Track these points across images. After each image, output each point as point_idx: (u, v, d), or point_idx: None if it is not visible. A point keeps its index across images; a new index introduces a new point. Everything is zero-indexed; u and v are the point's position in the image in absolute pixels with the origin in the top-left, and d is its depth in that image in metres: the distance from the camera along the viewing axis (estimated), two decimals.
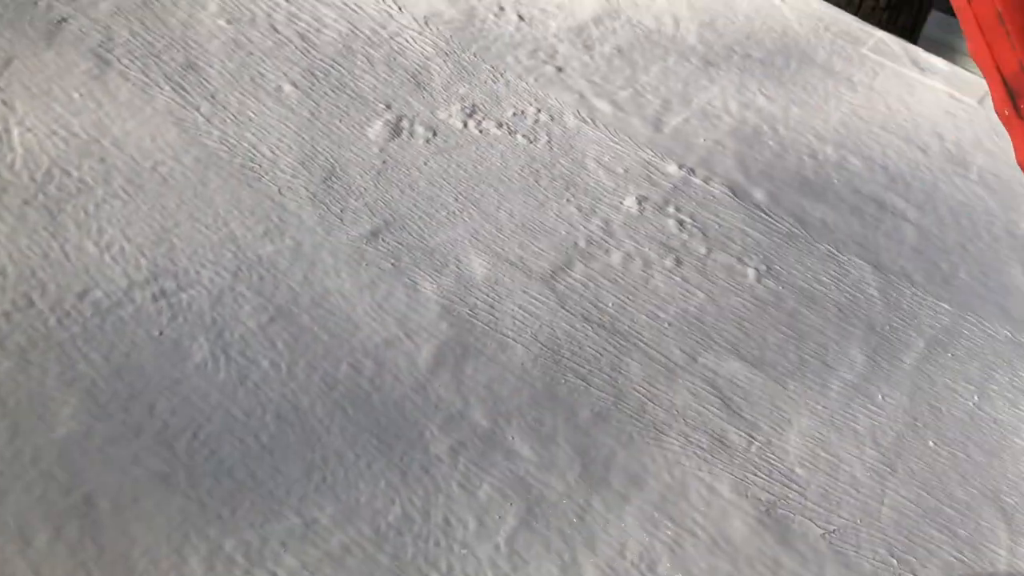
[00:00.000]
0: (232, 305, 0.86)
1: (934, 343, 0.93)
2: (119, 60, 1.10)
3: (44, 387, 0.77)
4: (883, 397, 0.87)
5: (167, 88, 1.07)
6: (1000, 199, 1.11)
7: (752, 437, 0.82)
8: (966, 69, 1.32)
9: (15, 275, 0.85)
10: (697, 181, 1.07)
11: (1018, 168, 1.11)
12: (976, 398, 0.89)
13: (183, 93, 1.07)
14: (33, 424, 0.74)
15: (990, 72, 0.72)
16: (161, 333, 0.83)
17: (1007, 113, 0.77)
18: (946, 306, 0.97)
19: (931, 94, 1.25)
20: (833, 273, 0.98)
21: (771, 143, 1.14)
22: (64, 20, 1.15)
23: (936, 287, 0.99)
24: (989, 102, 1.21)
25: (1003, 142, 1.20)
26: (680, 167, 1.08)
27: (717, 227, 1.01)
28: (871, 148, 1.15)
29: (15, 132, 0.99)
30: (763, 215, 1.04)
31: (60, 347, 0.80)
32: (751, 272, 0.97)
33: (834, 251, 1.01)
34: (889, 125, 1.19)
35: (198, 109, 1.05)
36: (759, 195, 1.06)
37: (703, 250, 0.99)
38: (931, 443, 0.84)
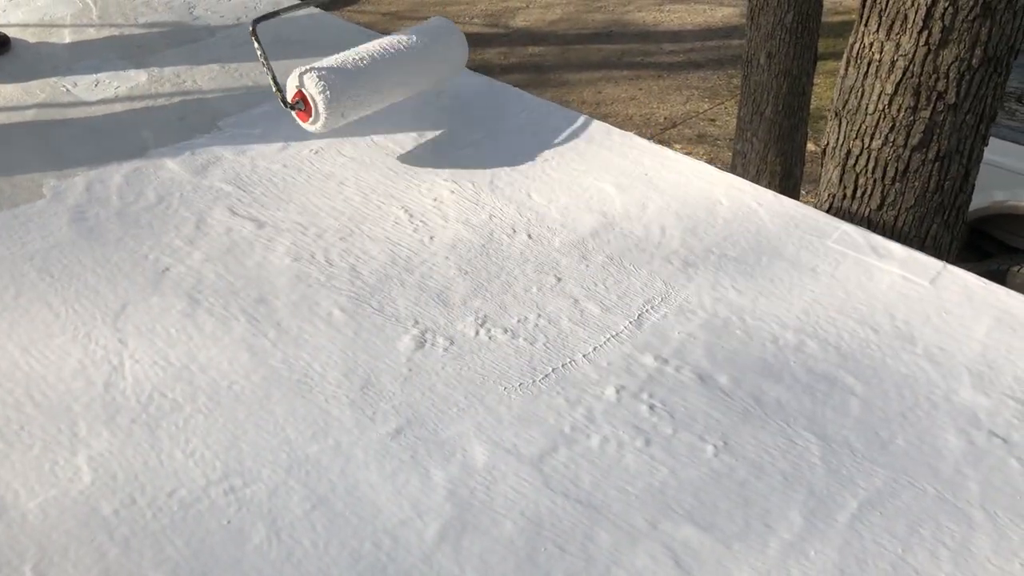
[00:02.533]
0: (284, 496, 1.10)
1: (866, 503, 1.09)
2: (206, 299, 1.40)
3: (141, 568, 1.01)
4: (815, 553, 1.03)
5: (243, 319, 1.36)
6: (942, 370, 1.27)
7: None
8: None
9: (123, 479, 1.12)
10: (669, 370, 1.27)
11: (962, 341, 1.28)
12: (900, 550, 1.03)
13: (255, 323, 1.36)
14: None
15: None
16: (229, 522, 1.07)
17: None
18: (881, 470, 1.13)
19: (887, 277, 1.44)
20: (782, 445, 1.16)
21: (738, 332, 1.34)
22: (167, 269, 1.47)
23: (874, 453, 1.15)
24: (940, 281, 1.40)
25: (949, 317, 1.37)
26: (655, 358, 1.29)
27: (683, 410, 1.21)
28: (827, 331, 1.34)
29: (127, 365, 1.28)
30: (725, 397, 1.23)
31: (154, 536, 1.05)
32: (710, 448, 1.16)
33: (785, 426, 1.19)
34: (846, 309, 1.38)
35: (266, 336, 1.33)
36: (723, 379, 1.26)
37: (670, 431, 1.18)
38: None
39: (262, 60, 1.62)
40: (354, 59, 1.69)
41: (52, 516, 1.06)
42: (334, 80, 1.64)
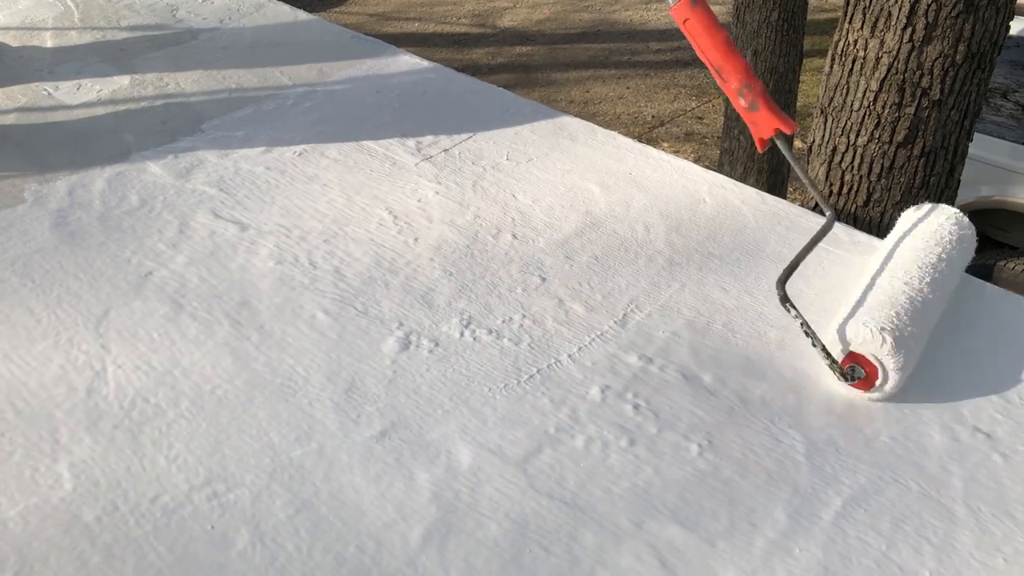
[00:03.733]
0: (268, 501, 1.09)
1: (851, 500, 1.09)
2: (190, 303, 1.39)
3: (123, 575, 1.01)
4: (800, 551, 1.03)
5: (226, 323, 1.35)
6: (926, 366, 1.27)
7: None
8: None
9: (105, 486, 1.11)
10: (654, 369, 1.27)
11: (945, 336, 1.28)
12: (884, 547, 1.03)
13: (238, 326, 1.35)
14: None
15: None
16: (212, 527, 1.06)
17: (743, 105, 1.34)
18: (865, 467, 1.13)
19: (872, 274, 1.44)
20: (766, 444, 1.16)
21: (723, 330, 1.34)
22: (150, 273, 1.46)
23: (858, 450, 1.15)
24: None
25: None
26: (640, 357, 1.29)
27: (668, 409, 1.21)
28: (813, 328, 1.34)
29: (110, 370, 1.27)
30: (709, 396, 1.23)
31: (136, 543, 1.04)
32: (694, 447, 1.16)
33: (770, 424, 1.19)
34: (830, 306, 1.38)
35: (249, 339, 1.33)
36: (707, 378, 1.26)
37: (654, 430, 1.18)
38: None
39: (803, 328, 1.23)
40: (909, 300, 1.24)
41: (33, 524, 1.06)
42: (905, 344, 1.19)
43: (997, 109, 4.81)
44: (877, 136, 2.67)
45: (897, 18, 2.48)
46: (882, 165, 2.69)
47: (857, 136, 2.68)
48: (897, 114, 2.61)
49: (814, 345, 1.21)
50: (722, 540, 1.05)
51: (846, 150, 2.72)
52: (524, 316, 1.37)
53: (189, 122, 1.91)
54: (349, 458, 1.14)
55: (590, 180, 1.69)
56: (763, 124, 1.35)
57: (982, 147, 4.34)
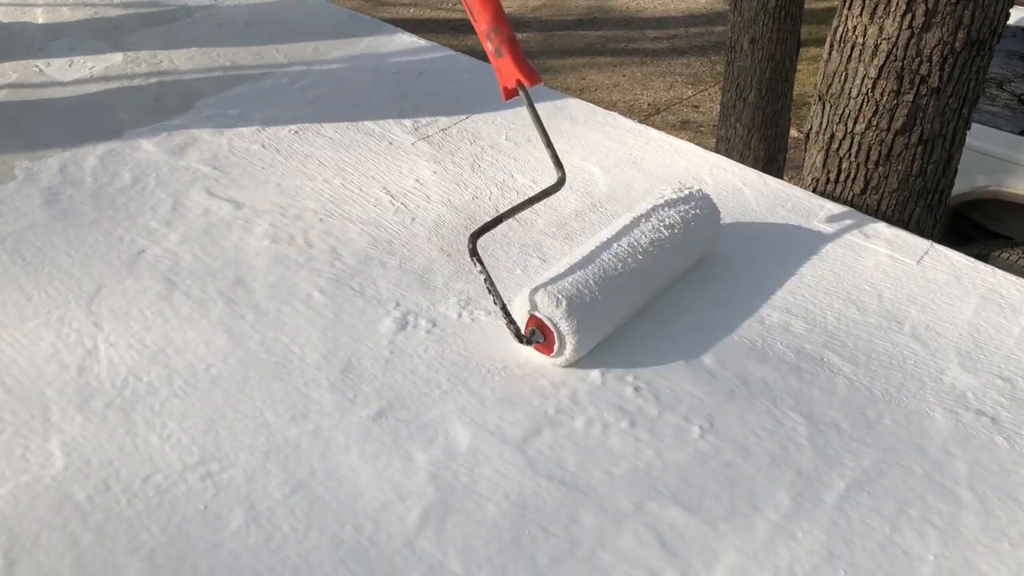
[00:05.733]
0: (263, 481, 1.07)
1: (854, 484, 1.07)
2: (183, 281, 1.37)
3: (115, 555, 0.99)
4: (803, 534, 1.02)
5: (220, 302, 1.33)
6: (930, 350, 1.26)
7: (684, 574, 0.97)
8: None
9: (97, 465, 1.09)
10: (654, 351, 1.26)
11: (949, 321, 1.27)
12: (888, 531, 1.02)
13: (233, 305, 1.33)
14: None
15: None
16: (206, 507, 1.04)
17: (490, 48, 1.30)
18: (868, 450, 1.12)
19: (873, 257, 1.43)
20: (768, 426, 1.15)
21: (724, 312, 1.32)
22: (143, 251, 1.43)
23: (861, 433, 1.14)
24: (927, 260, 1.39)
25: (936, 297, 1.36)
26: (640, 339, 1.27)
27: (669, 391, 1.20)
28: (814, 311, 1.33)
29: (102, 348, 1.25)
30: (710, 378, 1.22)
31: (128, 522, 1.02)
32: (695, 429, 1.14)
33: (771, 406, 1.17)
34: (832, 288, 1.37)
35: (244, 318, 1.31)
36: (708, 360, 1.24)
37: (655, 412, 1.16)
38: (842, 572, 0.98)
39: (486, 284, 1.21)
40: (602, 270, 1.22)
41: (23, 503, 1.04)
42: (585, 311, 1.19)
43: (993, 99, 4.80)
44: (875, 123, 2.65)
45: (896, 4, 2.46)
46: (880, 153, 2.67)
47: (855, 123, 2.66)
48: (895, 101, 2.59)
49: (495, 303, 1.20)
50: (723, 522, 1.03)
51: (844, 137, 2.70)
52: None
53: (183, 100, 1.88)
54: (345, 438, 1.13)
55: (590, 161, 1.67)
56: (507, 72, 1.31)
57: (978, 137, 4.33)
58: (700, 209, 1.35)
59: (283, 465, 1.09)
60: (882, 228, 1.49)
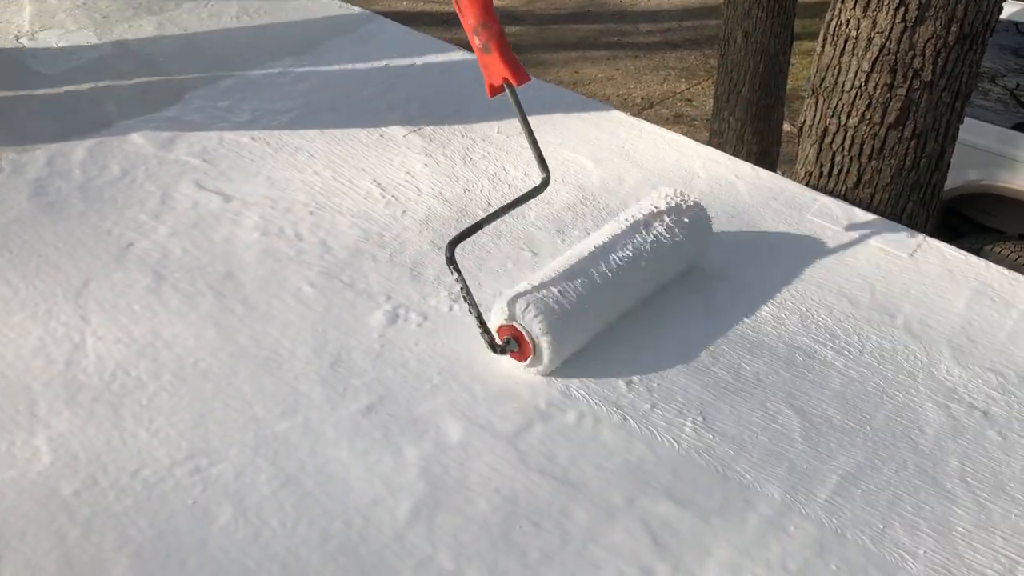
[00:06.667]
0: (252, 476, 1.06)
1: (846, 478, 1.07)
2: (172, 275, 1.36)
3: (102, 550, 0.98)
4: (795, 528, 1.01)
5: (209, 295, 1.32)
6: (922, 343, 1.26)
7: (676, 568, 0.97)
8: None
9: (84, 460, 1.08)
10: (647, 345, 1.25)
11: (941, 315, 1.27)
12: (881, 525, 1.02)
13: (222, 299, 1.32)
14: None
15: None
16: (194, 502, 1.03)
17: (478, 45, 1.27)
18: (861, 444, 1.11)
19: (865, 250, 1.42)
20: (761, 420, 1.14)
21: (717, 306, 1.32)
22: (131, 244, 1.42)
23: (854, 427, 1.13)
24: (920, 254, 1.39)
25: (929, 290, 1.35)
26: (632, 333, 1.27)
27: (661, 385, 1.19)
28: (807, 304, 1.32)
29: (89, 342, 1.24)
30: (703, 372, 1.21)
31: (116, 517, 1.01)
32: (688, 423, 1.14)
33: (764, 400, 1.17)
34: (825, 282, 1.36)
35: (233, 311, 1.30)
36: (702, 355, 1.24)
37: (647, 406, 1.16)
38: (833, 567, 0.97)
39: (463, 292, 1.19)
40: (583, 281, 1.21)
41: (9, 498, 1.03)
42: (561, 322, 1.17)
43: (985, 93, 4.80)
44: (868, 117, 2.64)
45: None
46: (872, 146, 2.66)
47: (848, 117, 2.65)
48: (888, 95, 2.58)
49: (471, 312, 1.19)
50: (716, 517, 1.03)
51: (837, 131, 2.70)
52: None
53: (172, 92, 1.87)
54: (335, 432, 1.12)
55: (582, 153, 1.66)
56: (494, 69, 1.28)
57: (970, 131, 4.33)
58: (691, 220, 1.33)
59: (272, 460, 1.08)
60: (875, 222, 1.49)
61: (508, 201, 1.26)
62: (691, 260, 1.36)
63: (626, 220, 1.30)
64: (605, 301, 1.22)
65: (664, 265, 1.30)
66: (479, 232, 1.22)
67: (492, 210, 1.31)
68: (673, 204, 1.33)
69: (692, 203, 1.34)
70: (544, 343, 1.16)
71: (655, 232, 1.29)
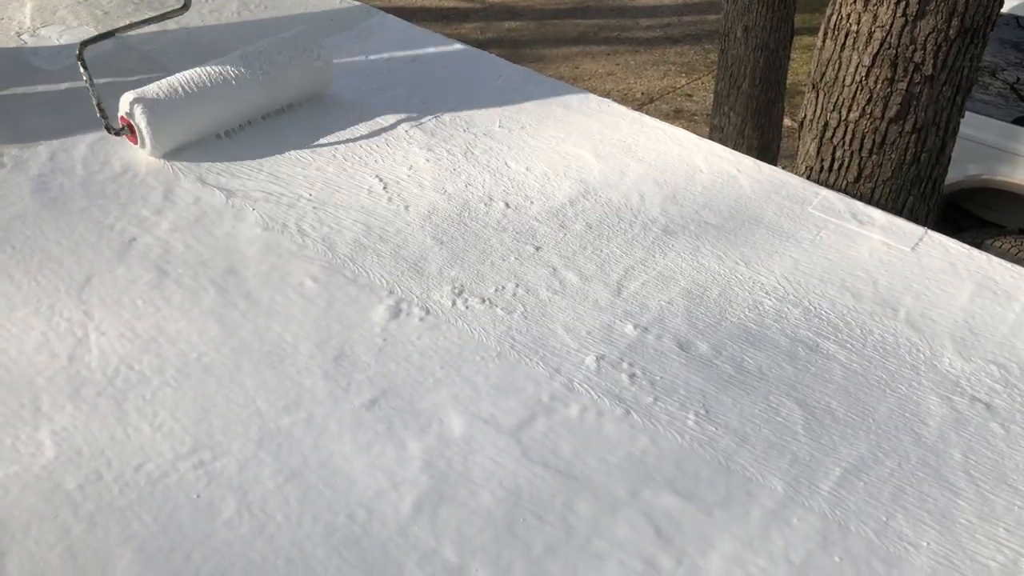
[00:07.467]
0: (255, 469, 1.07)
1: (849, 471, 1.07)
2: (175, 270, 1.36)
3: (107, 545, 0.98)
4: (798, 520, 1.02)
5: (212, 290, 1.32)
6: (925, 337, 1.26)
7: (680, 561, 0.97)
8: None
9: (88, 454, 1.08)
10: (650, 338, 1.25)
11: (944, 308, 1.27)
12: (884, 517, 1.02)
13: (225, 294, 1.32)
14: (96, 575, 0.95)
15: None
16: (199, 496, 1.03)
17: None
18: (864, 436, 1.11)
19: (867, 243, 1.42)
20: (764, 413, 1.14)
21: (719, 299, 1.32)
22: (134, 239, 1.42)
23: (857, 420, 1.13)
24: (922, 247, 1.39)
25: (931, 284, 1.35)
26: (635, 327, 1.27)
27: (664, 378, 1.19)
28: (809, 297, 1.32)
29: (92, 337, 1.24)
30: (705, 365, 1.21)
31: (120, 511, 1.01)
32: (691, 416, 1.14)
33: (767, 393, 1.17)
34: (827, 275, 1.36)
35: (236, 307, 1.30)
36: (703, 347, 1.24)
37: (650, 399, 1.16)
38: (837, 558, 0.97)
39: (88, 86, 1.56)
40: (187, 85, 1.63)
41: (13, 492, 1.03)
42: (159, 110, 1.58)
43: (985, 88, 4.80)
44: (869, 111, 2.64)
45: None
46: (873, 141, 2.66)
47: (849, 111, 2.65)
48: (889, 89, 2.58)
49: (93, 100, 1.58)
50: (719, 509, 1.03)
51: (838, 125, 2.70)
52: (517, 285, 1.34)
53: None
54: (339, 426, 1.12)
55: (584, 148, 1.66)
56: None
57: (970, 125, 4.32)
58: (306, 48, 1.74)
59: (276, 454, 1.08)
60: (877, 215, 1.49)
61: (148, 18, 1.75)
62: (308, 72, 1.75)
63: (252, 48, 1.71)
64: (211, 97, 1.63)
65: (275, 72, 1.69)
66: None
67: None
68: (296, 44, 1.75)
69: (315, 44, 1.76)
70: (143, 126, 1.56)
71: (267, 54, 1.70)
